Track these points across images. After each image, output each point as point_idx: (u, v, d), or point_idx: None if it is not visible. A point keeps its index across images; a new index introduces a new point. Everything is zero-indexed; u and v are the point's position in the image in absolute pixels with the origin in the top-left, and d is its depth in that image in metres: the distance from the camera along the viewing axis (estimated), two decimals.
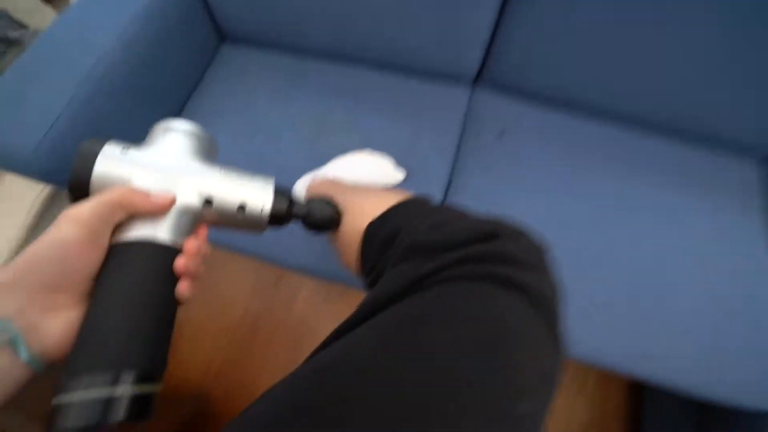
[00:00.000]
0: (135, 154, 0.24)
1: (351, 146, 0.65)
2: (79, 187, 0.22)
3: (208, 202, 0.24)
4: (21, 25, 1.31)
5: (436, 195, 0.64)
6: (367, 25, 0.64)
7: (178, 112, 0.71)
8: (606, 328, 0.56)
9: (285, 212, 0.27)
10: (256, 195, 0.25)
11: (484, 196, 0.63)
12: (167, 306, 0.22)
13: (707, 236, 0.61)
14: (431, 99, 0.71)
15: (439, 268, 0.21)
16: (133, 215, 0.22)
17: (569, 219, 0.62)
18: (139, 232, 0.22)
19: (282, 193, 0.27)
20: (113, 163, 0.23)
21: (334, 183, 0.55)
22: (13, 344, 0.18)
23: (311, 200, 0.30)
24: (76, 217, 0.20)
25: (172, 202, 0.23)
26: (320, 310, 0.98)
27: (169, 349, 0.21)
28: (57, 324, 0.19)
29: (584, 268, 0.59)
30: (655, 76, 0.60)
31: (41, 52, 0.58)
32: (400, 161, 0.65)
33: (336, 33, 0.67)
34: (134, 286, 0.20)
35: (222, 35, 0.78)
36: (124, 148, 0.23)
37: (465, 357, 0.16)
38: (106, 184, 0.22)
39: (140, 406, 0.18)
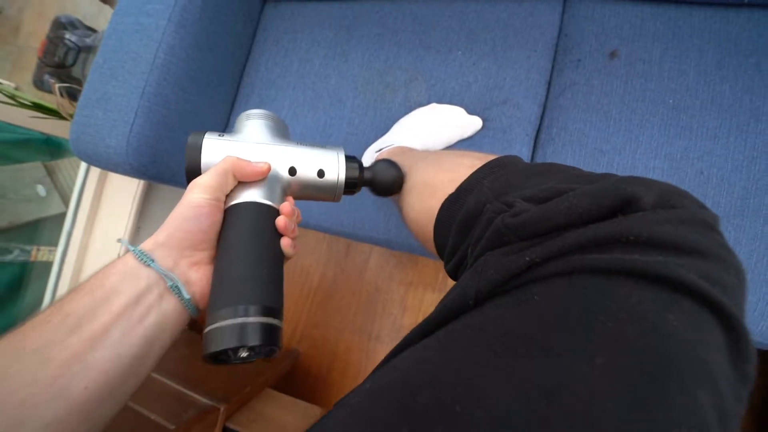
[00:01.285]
0: (229, 137, 0.28)
1: (419, 100, 0.57)
2: (193, 174, 0.27)
3: (292, 171, 0.28)
4: (91, 30, 1.41)
5: (522, 146, 0.54)
6: None
7: (236, 89, 0.70)
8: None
9: (357, 177, 0.30)
10: (332, 162, 0.29)
11: (588, 145, 0.51)
12: (276, 255, 0.25)
13: None
14: (511, 24, 0.57)
15: (542, 258, 0.15)
16: (240, 181, 0.26)
17: (709, 165, 0.47)
18: (244, 196, 0.26)
19: (353, 159, 0.30)
20: (215, 147, 0.28)
21: (402, 154, 0.49)
22: (175, 290, 0.22)
23: (374, 164, 0.32)
24: (201, 185, 0.24)
25: (269, 168, 0.27)
26: (391, 276, 0.99)
27: (282, 292, 0.24)
28: (200, 276, 0.24)
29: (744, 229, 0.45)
30: None
31: (109, 50, 0.59)
32: (477, 108, 0.55)
33: None
34: (248, 236, 0.24)
35: None
36: (219, 135, 0.28)
37: (596, 396, 0.10)
38: (216, 156, 0.27)
39: (269, 333, 0.21)
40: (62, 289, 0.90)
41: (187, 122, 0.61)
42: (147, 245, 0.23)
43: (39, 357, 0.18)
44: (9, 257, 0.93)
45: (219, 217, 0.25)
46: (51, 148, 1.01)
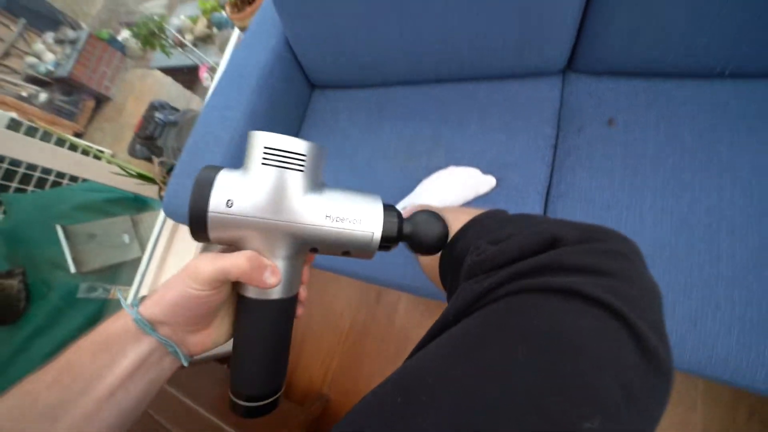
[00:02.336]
0: (239, 202, 0.23)
1: (439, 164, 0.66)
2: (197, 222, 0.23)
3: (314, 250, 0.26)
4: (175, 109, 1.76)
5: (534, 203, 0.60)
6: (441, 51, 0.66)
7: None
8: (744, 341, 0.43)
9: (394, 236, 0.26)
10: (362, 241, 0.25)
11: (595, 199, 0.56)
12: (288, 337, 0.27)
13: None
14: (516, 100, 0.67)
15: (497, 284, 0.21)
16: None
17: (718, 218, 0.50)
18: (256, 289, 0.25)
19: (390, 212, 0.26)
20: (228, 218, 0.23)
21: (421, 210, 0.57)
22: (175, 354, 0.24)
23: (414, 216, 0.28)
24: (197, 279, 0.22)
25: (279, 281, 0.24)
26: (419, 323, 1.01)
27: (287, 359, 0.27)
28: (195, 339, 0.25)
29: (736, 277, 0.46)
30: None
31: (199, 133, 0.77)
32: (491, 169, 0.63)
33: (412, 62, 0.71)
34: (265, 336, 0.26)
35: (312, 85, 0.91)
36: (228, 202, 0.22)
37: (527, 368, 0.15)
38: (227, 232, 0.23)
39: (273, 407, 0.27)
40: None
41: None
42: (146, 314, 0.23)
43: (50, 417, 0.19)
44: (94, 294, 1.11)
45: (218, 299, 0.24)
46: (138, 204, 1.24)
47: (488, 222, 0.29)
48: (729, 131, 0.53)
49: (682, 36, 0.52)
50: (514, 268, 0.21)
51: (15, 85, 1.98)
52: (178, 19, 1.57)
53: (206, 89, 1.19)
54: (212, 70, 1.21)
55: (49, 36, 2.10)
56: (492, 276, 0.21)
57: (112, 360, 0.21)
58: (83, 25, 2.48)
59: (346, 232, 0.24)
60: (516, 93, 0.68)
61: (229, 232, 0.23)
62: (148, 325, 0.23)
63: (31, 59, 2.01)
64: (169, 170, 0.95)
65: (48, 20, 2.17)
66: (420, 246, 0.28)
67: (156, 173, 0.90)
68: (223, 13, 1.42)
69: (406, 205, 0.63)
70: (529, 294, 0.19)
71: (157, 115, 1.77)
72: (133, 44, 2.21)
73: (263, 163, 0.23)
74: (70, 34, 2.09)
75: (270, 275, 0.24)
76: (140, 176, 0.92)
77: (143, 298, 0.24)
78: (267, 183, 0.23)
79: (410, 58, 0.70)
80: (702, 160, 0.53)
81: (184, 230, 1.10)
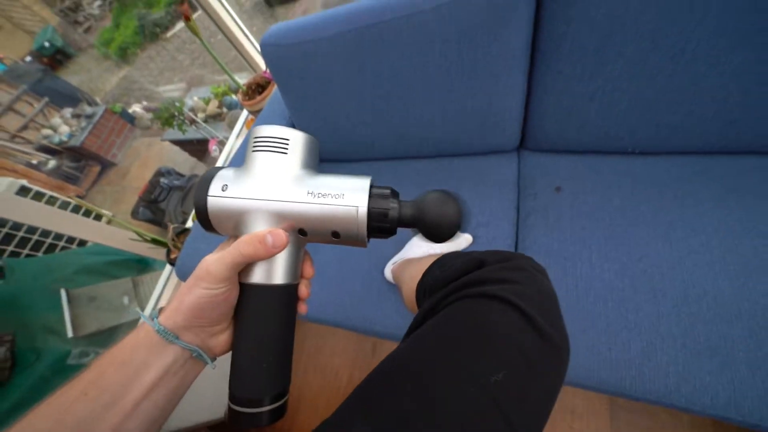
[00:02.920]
0: (234, 184, 0.25)
1: None
2: (202, 216, 0.25)
3: (302, 232, 0.25)
4: (181, 175, 1.90)
5: None
6: (420, 134, 0.82)
7: None
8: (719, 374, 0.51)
9: (387, 223, 0.25)
10: (349, 220, 0.24)
11: (554, 254, 0.68)
12: (290, 331, 0.26)
13: None
14: (484, 171, 0.83)
15: (443, 297, 0.31)
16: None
17: (649, 264, 0.62)
18: (258, 274, 0.25)
19: (382, 196, 0.25)
20: (221, 205, 0.25)
21: (408, 261, 0.68)
22: (200, 358, 0.25)
23: (423, 196, 0.27)
24: (210, 279, 0.23)
25: (286, 243, 0.25)
26: None
27: (291, 359, 0.27)
28: (220, 342, 0.26)
29: (679, 315, 0.57)
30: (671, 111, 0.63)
31: None
32: (468, 230, 0.75)
33: (396, 143, 0.87)
34: (264, 326, 0.25)
35: None
36: (223, 187, 0.25)
37: (455, 346, 0.25)
38: (222, 215, 0.25)
39: (278, 414, 0.25)
40: None
41: None
42: (168, 323, 0.24)
43: (80, 430, 0.20)
44: (86, 360, 1.09)
45: (233, 295, 0.25)
46: (140, 266, 1.29)
47: (446, 258, 0.41)
48: (646, 195, 0.68)
49: (595, 128, 0.70)
50: (454, 284, 0.32)
51: (27, 154, 2.11)
52: (192, 100, 1.80)
53: (214, 159, 1.34)
54: (221, 143, 1.38)
55: (68, 111, 2.31)
56: (443, 290, 0.32)
57: (135, 373, 0.22)
58: (98, 100, 2.75)
59: (328, 207, 0.24)
60: (483, 166, 0.83)
61: (227, 219, 0.25)
62: (172, 334, 0.23)
63: (46, 131, 2.18)
64: (179, 234, 1.03)
65: (68, 98, 2.41)
66: (431, 230, 0.26)
67: (168, 237, 0.98)
68: (234, 96, 1.65)
69: (396, 260, 0.73)
70: (462, 300, 0.30)
71: (163, 180, 1.90)
72: (142, 115, 2.43)
73: (253, 151, 0.26)
74: (87, 109, 2.30)
75: (271, 237, 0.24)
76: (154, 241, 1.00)
77: (161, 309, 0.25)
78: (255, 167, 0.25)
79: (397, 140, 0.86)
80: (630, 218, 0.66)
81: None
